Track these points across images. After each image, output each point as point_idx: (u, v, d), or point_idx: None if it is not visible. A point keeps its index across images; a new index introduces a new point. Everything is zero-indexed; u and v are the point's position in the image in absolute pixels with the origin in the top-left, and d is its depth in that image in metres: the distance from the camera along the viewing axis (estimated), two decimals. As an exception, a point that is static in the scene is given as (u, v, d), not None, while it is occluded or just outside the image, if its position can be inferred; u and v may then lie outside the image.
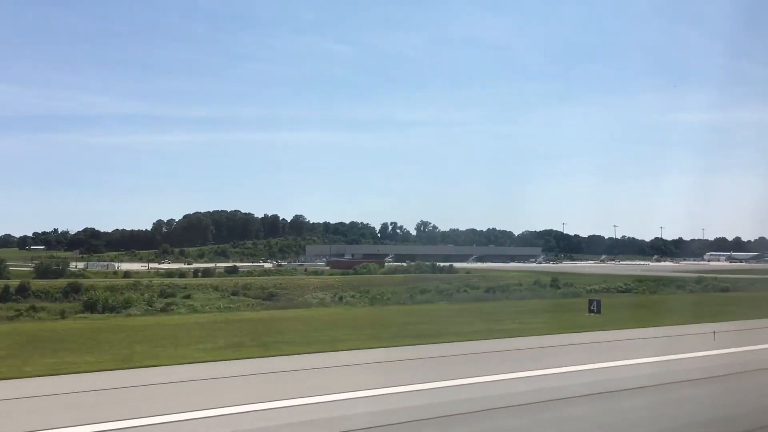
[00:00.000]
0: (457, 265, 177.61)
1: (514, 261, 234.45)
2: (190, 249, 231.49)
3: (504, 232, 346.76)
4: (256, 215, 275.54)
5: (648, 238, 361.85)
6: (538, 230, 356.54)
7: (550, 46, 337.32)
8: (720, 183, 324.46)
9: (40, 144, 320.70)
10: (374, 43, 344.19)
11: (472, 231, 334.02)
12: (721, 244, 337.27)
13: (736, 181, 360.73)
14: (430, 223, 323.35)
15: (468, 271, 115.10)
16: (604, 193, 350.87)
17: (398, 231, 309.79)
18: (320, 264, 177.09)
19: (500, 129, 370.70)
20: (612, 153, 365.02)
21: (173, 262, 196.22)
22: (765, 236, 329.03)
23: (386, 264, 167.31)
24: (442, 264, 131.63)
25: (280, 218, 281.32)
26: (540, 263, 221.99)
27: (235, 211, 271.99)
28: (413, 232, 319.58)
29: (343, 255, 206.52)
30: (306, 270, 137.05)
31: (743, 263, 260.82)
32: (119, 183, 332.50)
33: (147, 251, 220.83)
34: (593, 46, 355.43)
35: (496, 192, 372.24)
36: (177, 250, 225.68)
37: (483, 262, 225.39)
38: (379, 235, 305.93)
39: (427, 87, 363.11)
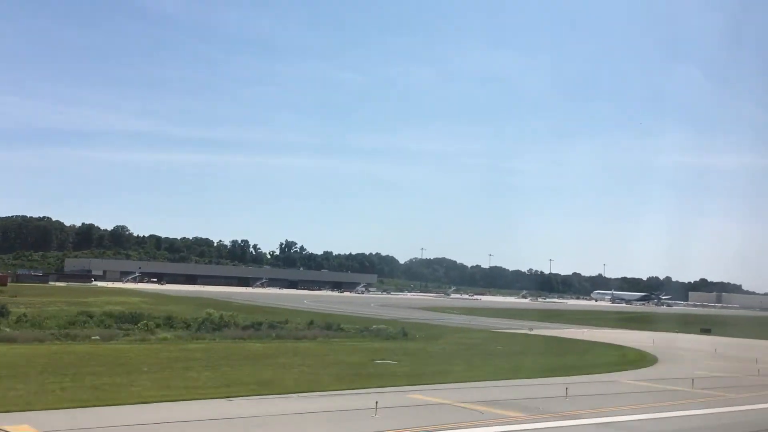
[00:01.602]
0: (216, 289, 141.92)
1: (336, 289, 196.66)
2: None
3: (387, 258, 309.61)
4: (67, 223, 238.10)
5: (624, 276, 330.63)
6: (429, 258, 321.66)
7: (556, 84, 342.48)
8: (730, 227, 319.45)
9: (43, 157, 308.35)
10: (383, 73, 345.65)
11: (349, 256, 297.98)
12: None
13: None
14: (296, 244, 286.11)
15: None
16: (593, 231, 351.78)
17: (252, 251, 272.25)
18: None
19: (499, 163, 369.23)
20: (609, 192, 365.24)
21: None
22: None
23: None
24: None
25: (101, 228, 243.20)
26: (359, 293, 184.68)
27: (43, 217, 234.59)
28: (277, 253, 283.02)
29: (90, 270, 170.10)
30: None
31: (623, 304, 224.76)
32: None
33: None
34: (599, 84, 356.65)
35: (479, 224, 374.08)
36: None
37: (293, 288, 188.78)
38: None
39: (432, 118, 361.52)
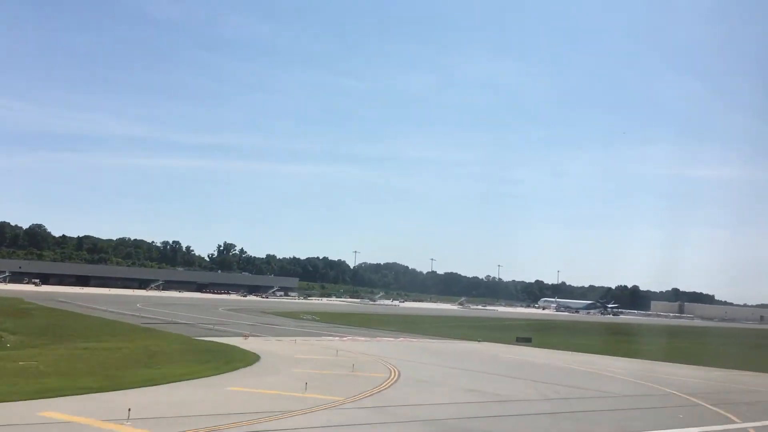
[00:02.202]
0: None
1: (251, 293, 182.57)
2: None
3: (336, 262, 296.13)
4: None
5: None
6: (380, 263, 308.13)
7: (555, 93, 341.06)
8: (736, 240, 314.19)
9: (42, 161, 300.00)
10: (383, 80, 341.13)
11: (293, 260, 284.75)
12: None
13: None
14: (235, 246, 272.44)
15: None
16: (564, 239, 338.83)
17: (184, 251, 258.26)
18: None
19: (495, 172, 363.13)
20: (606, 203, 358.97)
21: None
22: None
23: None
24: None
25: (17, 227, 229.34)
26: (264, 297, 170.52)
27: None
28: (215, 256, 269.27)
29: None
30: None
31: (564, 311, 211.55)
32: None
33: None
34: (598, 94, 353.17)
35: (470, 233, 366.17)
36: None
37: (199, 291, 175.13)
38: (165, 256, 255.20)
39: (432, 126, 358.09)
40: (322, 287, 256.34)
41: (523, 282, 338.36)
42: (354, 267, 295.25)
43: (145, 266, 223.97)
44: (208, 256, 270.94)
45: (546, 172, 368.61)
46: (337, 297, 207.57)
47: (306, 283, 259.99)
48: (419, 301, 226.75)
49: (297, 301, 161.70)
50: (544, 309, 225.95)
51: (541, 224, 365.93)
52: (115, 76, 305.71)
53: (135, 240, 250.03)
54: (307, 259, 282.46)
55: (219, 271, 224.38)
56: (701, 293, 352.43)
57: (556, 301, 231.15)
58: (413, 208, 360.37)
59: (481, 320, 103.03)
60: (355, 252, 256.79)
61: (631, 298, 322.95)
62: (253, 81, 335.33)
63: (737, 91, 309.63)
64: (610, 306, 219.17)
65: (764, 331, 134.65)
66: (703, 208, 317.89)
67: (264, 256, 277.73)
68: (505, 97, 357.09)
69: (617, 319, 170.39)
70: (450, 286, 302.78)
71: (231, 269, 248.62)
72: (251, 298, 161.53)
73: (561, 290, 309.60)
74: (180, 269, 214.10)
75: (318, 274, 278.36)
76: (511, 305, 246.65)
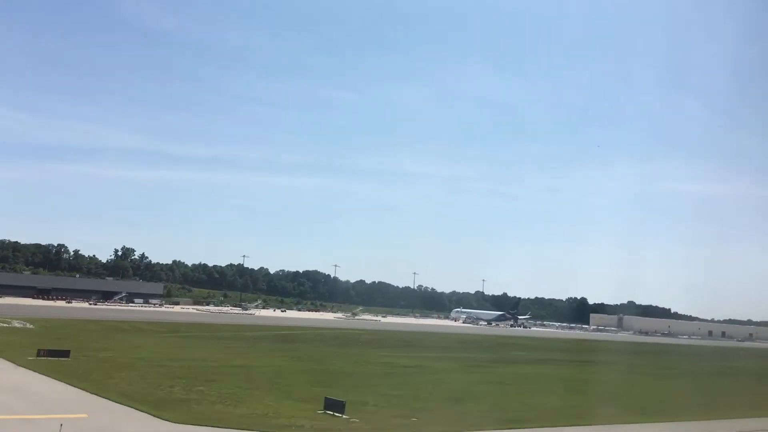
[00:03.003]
0: None
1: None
2: None
3: (252, 270, 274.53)
4: None
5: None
6: (298, 271, 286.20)
7: (554, 110, 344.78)
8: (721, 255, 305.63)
9: (42, 172, 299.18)
10: (381, 94, 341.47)
11: (197, 266, 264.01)
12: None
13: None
14: (134, 251, 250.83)
15: None
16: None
17: (71, 255, 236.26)
18: None
19: (494, 186, 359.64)
20: (587, 219, 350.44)
21: None
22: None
23: None
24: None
25: None
26: (92, 303, 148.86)
27: None
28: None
29: None
30: None
31: (472, 323, 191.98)
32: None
33: None
34: (596, 112, 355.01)
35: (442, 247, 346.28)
36: None
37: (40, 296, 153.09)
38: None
39: (429, 141, 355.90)
40: (225, 296, 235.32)
41: (467, 293, 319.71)
42: (272, 274, 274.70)
43: (15, 271, 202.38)
44: (107, 260, 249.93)
45: (539, 188, 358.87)
46: (215, 305, 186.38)
47: (208, 291, 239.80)
48: (315, 311, 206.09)
49: (131, 308, 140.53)
50: (455, 320, 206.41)
51: (499, 238, 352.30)
52: (110, 87, 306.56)
53: (13, 243, 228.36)
54: (214, 266, 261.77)
55: (78, 276, 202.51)
56: (657, 307, 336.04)
57: (466, 312, 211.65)
58: (389, 219, 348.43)
59: (270, 328, 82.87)
60: (244, 256, 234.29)
61: (579, 310, 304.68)
62: (251, 93, 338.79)
63: (736, 110, 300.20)
64: (522, 317, 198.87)
65: (639, 345, 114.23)
66: (676, 223, 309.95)
67: (170, 263, 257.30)
68: (501, 112, 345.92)
69: (497, 330, 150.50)
70: (374, 296, 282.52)
71: (125, 275, 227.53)
72: (75, 304, 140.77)
73: (500, 302, 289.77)
74: (26, 273, 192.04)
75: (226, 282, 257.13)
76: (426, 316, 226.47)
